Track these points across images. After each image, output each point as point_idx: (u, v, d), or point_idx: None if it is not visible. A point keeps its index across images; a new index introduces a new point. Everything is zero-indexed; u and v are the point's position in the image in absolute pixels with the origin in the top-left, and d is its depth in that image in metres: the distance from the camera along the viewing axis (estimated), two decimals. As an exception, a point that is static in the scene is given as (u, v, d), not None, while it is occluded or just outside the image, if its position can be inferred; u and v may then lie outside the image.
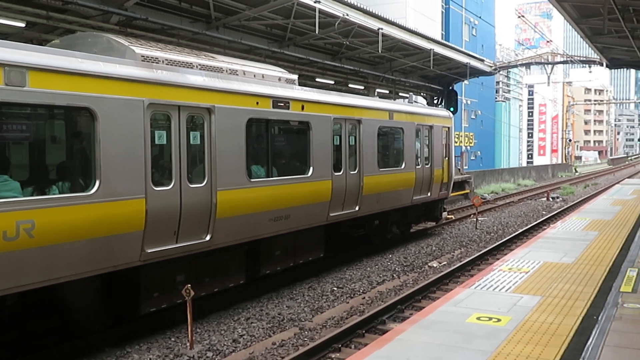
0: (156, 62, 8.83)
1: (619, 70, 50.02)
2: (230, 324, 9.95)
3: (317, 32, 17.68)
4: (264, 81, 11.00)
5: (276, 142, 11.62)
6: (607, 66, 29.43)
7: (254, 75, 10.87)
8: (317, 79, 22.96)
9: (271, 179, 10.93)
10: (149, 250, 8.35)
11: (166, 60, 9.06)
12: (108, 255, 7.82)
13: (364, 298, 11.59)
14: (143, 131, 8.19)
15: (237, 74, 10.43)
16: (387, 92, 28.74)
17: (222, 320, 10.12)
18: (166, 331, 9.40)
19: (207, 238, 9.34)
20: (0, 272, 6.56)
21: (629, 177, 49.74)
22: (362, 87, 26.32)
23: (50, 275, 7.15)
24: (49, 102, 7.13)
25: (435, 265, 14.76)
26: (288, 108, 11.27)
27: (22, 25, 12.81)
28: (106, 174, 7.64)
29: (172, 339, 9.14)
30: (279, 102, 11.02)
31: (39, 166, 7.85)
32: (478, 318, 7.08)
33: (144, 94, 8.24)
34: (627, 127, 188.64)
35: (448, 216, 21.43)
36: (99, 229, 7.56)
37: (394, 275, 13.64)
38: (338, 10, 17.88)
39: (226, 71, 10.20)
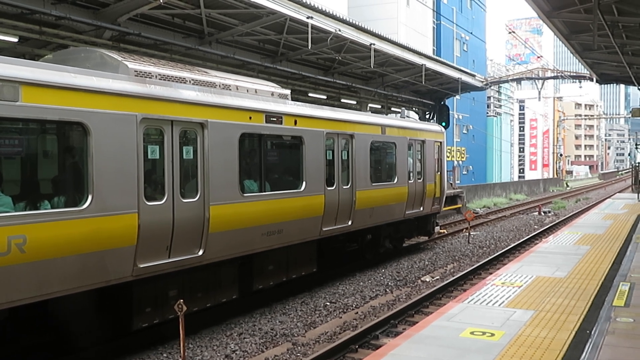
0: (149, 77, 8.84)
1: (608, 85, 50.46)
2: (222, 339, 9.89)
3: (309, 48, 17.78)
4: (257, 96, 11.02)
5: (269, 157, 11.62)
6: (597, 81, 29.69)
7: (247, 90, 10.90)
8: (310, 94, 23.06)
9: (264, 193, 10.92)
10: (142, 265, 8.30)
11: (159, 75, 9.07)
12: (100, 270, 7.77)
13: (357, 313, 11.55)
14: (136, 146, 8.18)
15: (230, 89, 10.46)
16: (379, 107, 28.86)
17: (214, 335, 10.05)
18: (158, 347, 9.32)
19: (200, 253, 9.31)
20: (-9, 287, 6.52)
21: (619, 192, 49.98)
22: (355, 102, 26.43)
23: (42, 290, 7.09)
24: (41, 117, 7.11)
25: (428, 279, 14.75)
26: (281, 123, 11.29)
27: (15, 40, 12.81)
28: (99, 188, 7.62)
29: (164, 355, 9.07)
30: (272, 117, 11.04)
31: (31, 181, 7.80)
32: (472, 333, 7.08)
33: (137, 108, 8.24)
34: (618, 141, 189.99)
35: (440, 230, 21.46)
36: (91, 244, 7.52)
37: (387, 289, 13.61)
38: (330, 26, 18.00)
39: (219, 86, 10.22)
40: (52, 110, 7.14)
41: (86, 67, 8.34)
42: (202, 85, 9.82)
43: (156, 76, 8.99)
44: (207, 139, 9.39)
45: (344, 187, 13.43)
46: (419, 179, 17.49)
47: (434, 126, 20.28)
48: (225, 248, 9.86)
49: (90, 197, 7.53)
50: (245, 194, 10.29)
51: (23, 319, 7.62)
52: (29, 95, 6.89)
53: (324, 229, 12.72)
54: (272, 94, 11.62)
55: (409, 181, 16.73)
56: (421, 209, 17.64)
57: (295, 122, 11.74)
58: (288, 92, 12.29)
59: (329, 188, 12.78)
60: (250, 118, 10.47)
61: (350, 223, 13.66)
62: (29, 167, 7.84)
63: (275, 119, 11.12)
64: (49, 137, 8.01)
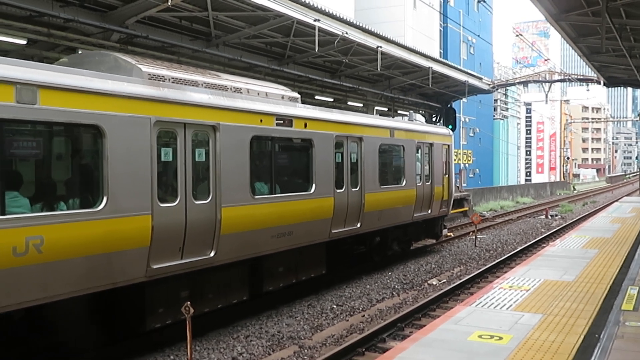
0: (162, 81, 8.94)
1: (616, 88, 50.40)
2: (229, 342, 9.93)
3: (316, 50, 17.80)
4: (267, 99, 11.11)
5: (279, 159, 11.70)
6: (604, 84, 29.64)
7: (258, 94, 10.99)
8: (317, 97, 23.11)
9: (274, 195, 11.00)
10: (154, 266, 8.39)
11: (172, 78, 9.17)
12: (114, 271, 7.85)
13: (364, 316, 11.59)
14: (149, 148, 8.29)
15: (241, 92, 10.55)
16: (386, 109, 28.90)
17: (221, 338, 10.10)
18: (165, 349, 9.37)
19: (212, 254, 9.40)
20: (9, 287, 6.62)
21: (627, 195, 49.80)
22: (361, 105, 26.47)
23: (57, 290, 7.18)
24: (58, 119, 7.22)
25: (435, 283, 14.79)
26: (291, 126, 11.38)
27: (24, 42, 12.89)
28: (113, 190, 7.72)
29: (171, 357, 9.12)
30: (282, 119, 11.14)
31: (47, 182, 7.89)
32: (479, 336, 7.11)
33: (150, 111, 8.34)
34: (625, 145, 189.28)
35: (447, 233, 21.50)
36: (105, 244, 7.62)
37: (394, 293, 13.66)
38: (337, 29, 18.03)
39: (230, 89, 10.31)
40: (69, 113, 7.25)
41: (100, 71, 8.44)
42: (214, 89, 9.91)
43: (169, 79, 9.09)
44: (218, 141, 9.48)
45: (353, 189, 13.50)
46: (427, 181, 17.53)
47: (441, 129, 20.32)
48: (236, 249, 9.94)
49: (105, 199, 7.63)
50: (256, 196, 10.38)
51: (37, 319, 7.70)
52: (47, 98, 7.00)
53: (333, 231, 12.79)
54: (283, 97, 11.70)
55: (417, 184, 16.78)
56: (429, 211, 17.69)
57: (305, 125, 11.82)
58: (298, 95, 12.38)
59: (338, 190, 12.85)
60: (261, 121, 10.56)
61: (359, 225, 13.73)
62: (46, 169, 7.93)
63: (285, 122, 11.21)
64: (65, 139, 8.12)
